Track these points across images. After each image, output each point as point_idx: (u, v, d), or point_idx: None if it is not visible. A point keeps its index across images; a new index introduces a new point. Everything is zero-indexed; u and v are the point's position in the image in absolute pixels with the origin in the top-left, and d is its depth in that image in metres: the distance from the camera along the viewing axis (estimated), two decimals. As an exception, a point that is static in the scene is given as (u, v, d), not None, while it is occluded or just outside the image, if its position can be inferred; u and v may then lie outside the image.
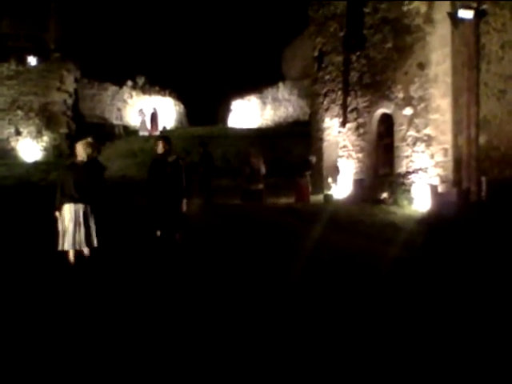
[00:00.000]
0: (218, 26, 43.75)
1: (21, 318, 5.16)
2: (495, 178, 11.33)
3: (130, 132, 27.76)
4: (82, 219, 6.59)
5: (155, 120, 28.69)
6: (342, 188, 15.14)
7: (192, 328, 4.85)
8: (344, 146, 15.43)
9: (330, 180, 15.62)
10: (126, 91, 30.18)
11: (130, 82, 30.49)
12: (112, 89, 29.40)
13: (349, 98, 15.21)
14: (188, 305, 5.55)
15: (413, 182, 12.65)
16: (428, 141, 12.29)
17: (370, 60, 14.23)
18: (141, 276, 6.65)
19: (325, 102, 16.43)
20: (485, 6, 11.62)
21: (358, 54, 14.73)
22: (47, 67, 25.45)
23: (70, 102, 25.46)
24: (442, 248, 8.18)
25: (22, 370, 3.98)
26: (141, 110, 28.35)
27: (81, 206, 6.61)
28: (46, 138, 24.73)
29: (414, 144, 12.69)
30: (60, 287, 6.18)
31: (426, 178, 12.26)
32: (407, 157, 12.92)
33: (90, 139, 7.02)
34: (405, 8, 12.88)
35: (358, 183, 14.35)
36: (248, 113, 32.07)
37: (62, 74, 25.23)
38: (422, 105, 12.45)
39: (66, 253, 6.69)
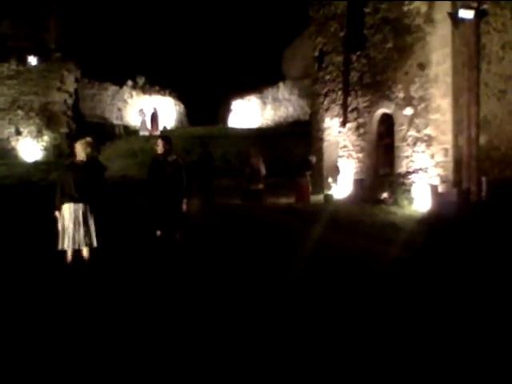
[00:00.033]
0: (219, 25, 43.82)
1: (16, 316, 5.16)
2: (495, 178, 11.33)
3: (130, 132, 27.76)
4: (81, 219, 6.59)
5: (155, 120, 28.68)
6: (342, 188, 15.14)
7: (192, 328, 4.85)
8: (344, 146, 15.42)
9: (330, 180, 15.61)
10: (126, 91, 30.18)
11: (130, 82, 30.49)
12: (112, 89, 29.40)
13: (349, 98, 15.21)
14: (188, 305, 5.54)
15: (413, 182, 12.64)
16: (428, 141, 12.28)
17: (370, 60, 14.23)
18: (141, 276, 6.65)
19: (325, 102, 16.43)
20: (485, 6, 11.62)
21: (358, 53, 14.73)
22: (47, 67, 25.45)
23: (70, 101, 25.46)
24: (442, 248, 8.17)
25: (19, 370, 3.98)
26: (141, 110, 28.34)
27: (80, 206, 6.61)
28: (46, 138, 24.73)
29: (415, 144, 12.69)
30: (58, 286, 6.18)
31: (426, 178, 12.25)
32: (407, 157, 12.92)
33: (88, 139, 7.02)
34: (405, 8, 12.88)
35: (359, 183, 14.34)
36: (248, 113, 32.05)
37: (62, 74, 25.24)
38: (423, 105, 12.45)
39: (65, 252, 6.69)
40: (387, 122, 13.88)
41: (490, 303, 5.58)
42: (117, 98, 29.54)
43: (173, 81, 33.40)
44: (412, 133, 12.77)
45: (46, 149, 24.61)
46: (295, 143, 20.74)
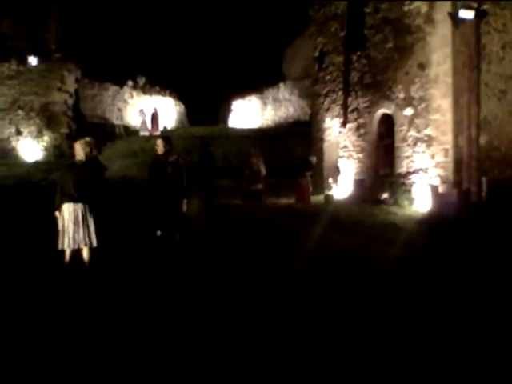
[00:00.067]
0: (219, 26, 43.86)
1: (14, 316, 5.16)
2: (496, 179, 11.32)
3: (130, 132, 27.76)
4: (80, 218, 6.60)
5: (156, 120, 28.69)
6: (342, 188, 15.13)
7: (192, 328, 4.85)
8: (344, 147, 15.42)
9: (330, 180, 15.61)
10: (126, 91, 30.18)
11: (130, 82, 30.49)
12: (113, 89, 29.41)
13: (349, 99, 15.21)
14: (188, 305, 5.54)
15: (413, 183, 12.64)
16: (428, 141, 12.28)
17: (370, 60, 14.23)
18: (141, 276, 6.65)
19: (325, 103, 16.43)
20: (485, 7, 11.61)
21: (358, 54, 14.73)
22: (48, 67, 25.47)
23: (70, 102, 25.48)
24: (443, 248, 8.17)
25: (17, 370, 3.99)
26: (141, 110, 28.35)
27: (79, 206, 6.61)
28: (46, 138, 24.75)
29: (415, 144, 12.69)
30: (55, 285, 6.19)
31: (426, 178, 12.25)
32: (408, 157, 12.91)
33: (88, 139, 7.03)
34: (405, 8, 12.88)
35: (359, 183, 14.34)
36: (249, 113, 32.06)
37: (62, 74, 25.25)
38: (423, 105, 12.45)
39: (64, 252, 6.70)
40: (387, 122, 13.88)
41: (491, 303, 5.58)
42: (117, 99, 29.55)
43: (173, 81, 33.46)
44: (412, 133, 12.77)
45: (46, 149, 24.63)
46: (295, 143, 20.75)
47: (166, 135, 11.68)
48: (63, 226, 6.62)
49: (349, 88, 15.21)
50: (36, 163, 22.96)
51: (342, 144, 15.55)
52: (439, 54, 11.99)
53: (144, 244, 7.99)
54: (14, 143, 24.65)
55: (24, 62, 25.81)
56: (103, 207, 6.91)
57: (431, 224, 9.91)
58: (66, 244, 6.60)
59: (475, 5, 11.45)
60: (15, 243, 8.39)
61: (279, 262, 7.47)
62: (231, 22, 44.14)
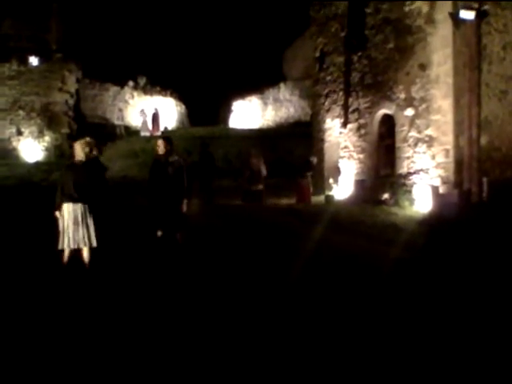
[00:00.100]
0: (220, 26, 43.85)
1: (12, 316, 5.16)
2: (496, 179, 11.32)
3: (131, 132, 27.77)
4: (80, 218, 6.60)
5: (156, 120, 28.68)
6: (343, 189, 15.13)
7: (192, 328, 4.84)
8: (345, 147, 15.42)
9: (331, 181, 15.61)
10: (127, 91, 30.19)
11: (131, 83, 30.50)
12: (113, 89, 29.41)
13: (350, 99, 15.20)
14: (188, 305, 5.54)
15: (414, 183, 12.63)
16: (429, 142, 12.28)
17: (371, 60, 14.22)
18: (141, 276, 6.65)
19: (326, 103, 16.43)
20: (486, 7, 11.61)
21: (359, 54, 14.72)
22: (49, 67, 25.48)
23: (71, 102, 25.49)
24: (444, 249, 8.17)
25: (17, 370, 3.99)
26: (142, 111, 28.36)
27: (79, 206, 6.62)
28: (47, 138, 24.75)
29: (416, 145, 12.68)
30: (56, 286, 6.19)
31: (427, 178, 12.24)
32: (408, 158, 12.91)
33: (87, 139, 7.04)
34: (406, 8, 12.87)
35: (359, 184, 14.34)
36: (249, 113, 32.06)
37: (63, 75, 25.26)
38: (424, 105, 12.44)
39: (63, 251, 6.70)
40: (388, 122, 13.87)
41: (491, 303, 5.58)
42: (118, 99, 29.55)
43: (174, 81, 33.44)
44: (413, 133, 12.76)
45: (47, 149, 24.63)
46: (296, 144, 20.74)
47: (167, 135, 11.71)
48: (63, 225, 6.63)
49: (349, 88, 15.21)
50: (37, 163, 22.96)
51: (342, 144, 15.54)
52: (440, 54, 11.98)
53: (144, 244, 7.99)
54: (14, 143, 24.65)
55: (25, 62, 25.81)
56: (103, 207, 6.91)
57: (432, 224, 9.91)
58: (66, 244, 6.60)
59: (476, 5, 11.44)
60: (16, 243, 8.39)
61: (280, 263, 7.47)
62: (232, 22, 44.15)
